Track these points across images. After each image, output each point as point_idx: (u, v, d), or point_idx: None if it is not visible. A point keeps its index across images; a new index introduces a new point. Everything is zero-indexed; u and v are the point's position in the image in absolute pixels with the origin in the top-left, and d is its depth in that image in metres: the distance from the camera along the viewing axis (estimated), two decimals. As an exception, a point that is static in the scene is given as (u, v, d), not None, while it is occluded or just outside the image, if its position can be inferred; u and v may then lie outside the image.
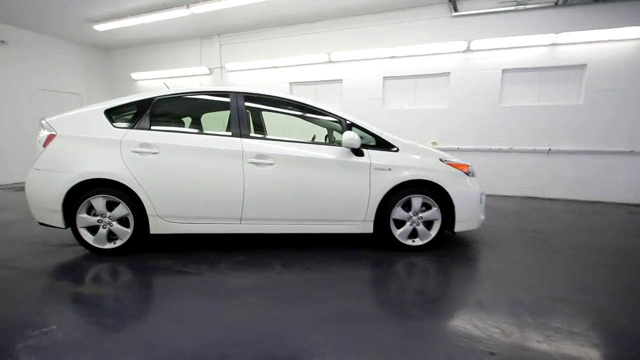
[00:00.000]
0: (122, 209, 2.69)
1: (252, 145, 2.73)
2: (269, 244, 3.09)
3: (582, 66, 5.24)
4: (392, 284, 2.35)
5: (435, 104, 6.17)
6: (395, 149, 2.89)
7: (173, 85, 8.09)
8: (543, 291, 2.23)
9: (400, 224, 2.92)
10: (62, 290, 2.20)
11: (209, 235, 3.27)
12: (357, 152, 2.80)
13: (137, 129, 2.74)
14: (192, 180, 2.70)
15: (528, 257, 2.88)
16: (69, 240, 3.14)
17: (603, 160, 5.26)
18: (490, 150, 5.82)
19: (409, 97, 6.35)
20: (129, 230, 2.73)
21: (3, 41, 6.62)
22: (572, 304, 2.06)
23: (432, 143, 6.07)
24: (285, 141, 2.81)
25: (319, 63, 6.72)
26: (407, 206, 2.89)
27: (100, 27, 6.45)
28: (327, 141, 3.45)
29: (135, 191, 2.66)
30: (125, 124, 2.77)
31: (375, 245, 3.10)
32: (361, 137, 2.77)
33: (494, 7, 5.44)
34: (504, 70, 5.64)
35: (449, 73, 5.95)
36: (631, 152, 5.10)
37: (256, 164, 2.71)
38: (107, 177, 2.62)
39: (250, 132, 2.83)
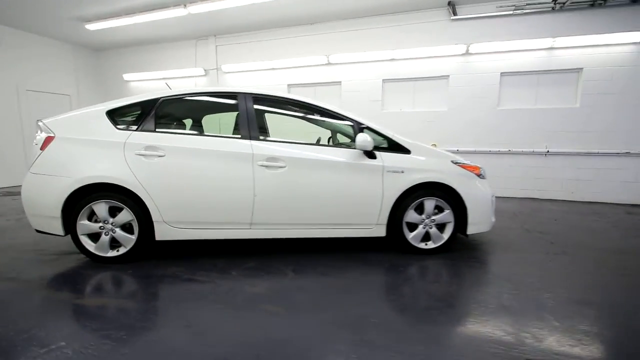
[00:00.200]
0: (125, 215, 2.56)
1: (262, 147, 2.65)
2: (279, 249, 3.00)
3: (579, 70, 5.34)
4: (409, 289, 2.30)
5: (434, 107, 6.19)
6: (407, 151, 2.85)
7: (166, 86, 7.94)
8: (564, 293, 2.21)
9: (412, 227, 2.87)
10: (65, 302, 2.06)
11: (216, 241, 3.16)
12: (370, 155, 2.75)
13: (141, 130, 2.62)
14: (200, 185, 2.60)
15: (540, 259, 2.87)
16: (67, 248, 2.99)
17: (600, 162, 5.36)
18: (490, 152, 5.87)
19: (408, 100, 6.36)
20: (133, 237, 2.60)
21: (-12, 40, 6.36)
22: (595, 306, 2.04)
23: (432, 145, 6.07)
24: (297, 143, 2.74)
25: (317, 65, 6.67)
26: (418, 209, 2.85)
27: (92, 27, 6.26)
28: (330, 143, 3.40)
29: (140, 196, 2.54)
30: (128, 126, 2.65)
31: (387, 248, 3.05)
32: (373, 140, 2.72)
33: (493, 12, 5.51)
34: (502, 74, 5.71)
35: (448, 76, 5.99)
36: (627, 154, 5.21)
37: (267, 166, 2.63)
38: (111, 182, 2.50)
39: (259, 135, 2.74)
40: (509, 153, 5.79)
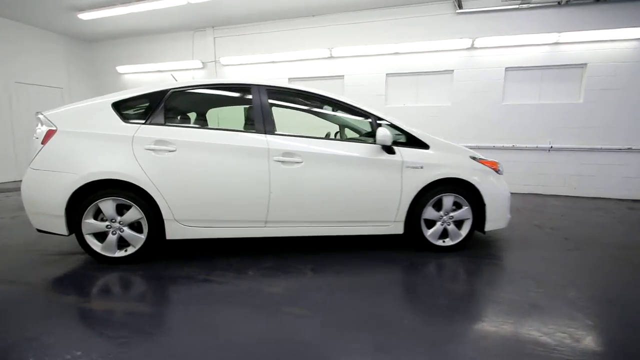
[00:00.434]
0: (134, 213, 2.43)
1: (278, 142, 2.54)
2: (294, 248, 2.91)
3: (583, 65, 5.34)
4: (432, 288, 2.23)
5: (438, 102, 6.13)
6: (426, 146, 2.78)
7: (163, 79, 7.69)
8: (589, 291, 2.18)
9: (430, 223, 2.81)
10: (73, 307, 1.93)
11: (227, 240, 3.04)
12: (389, 150, 2.67)
13: (150, 124, 2.48)
14: (213, 181, 2.48)
15: (558, 255, 2.85)
16: (70, 248, 2.84)
17: (602, 158, 5.40)
18: (494, 148, 5.85)
19: (411, 94, 6.29)
20: (143, 236, 2.48)
21: (-27, 29, 6.04)
22: (624, 304, 2.01)
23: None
24: (313, 138, 2.64)
25: (319, 58, 6.54)
26: (436, 205, 2.79)
27: (85, 16, 5.99)
28: (337, 137, 3.30)
29: (150, 193, 2.41)
30: (136, 119, 2.51)
31: (403, 246, 2.98)
32: (392, 134, 2.64)
33: (498, 5, 5.45)
34: (507, 69, 5.68)
35: (453, 71, 5.94)
36: (629, 150, 5.25)
37: (283, 162, 2.52)
38: (119, 178, 2.36)
39: (275, 128, 2.62)
40: (513, 148, 5.78)
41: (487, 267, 2.60)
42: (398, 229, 2.78)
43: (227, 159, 2.48)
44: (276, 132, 2.60)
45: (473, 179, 2.75)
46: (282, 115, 3.19)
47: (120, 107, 2.52)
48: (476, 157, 2.89)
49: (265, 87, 2.69)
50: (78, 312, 1.87)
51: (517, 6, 5.37)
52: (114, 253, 2.48)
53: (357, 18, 6.21)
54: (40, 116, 2.47)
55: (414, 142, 2.78)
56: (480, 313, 1.90)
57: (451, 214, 2.79)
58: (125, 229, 2.46)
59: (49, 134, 2.41)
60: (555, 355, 1.53)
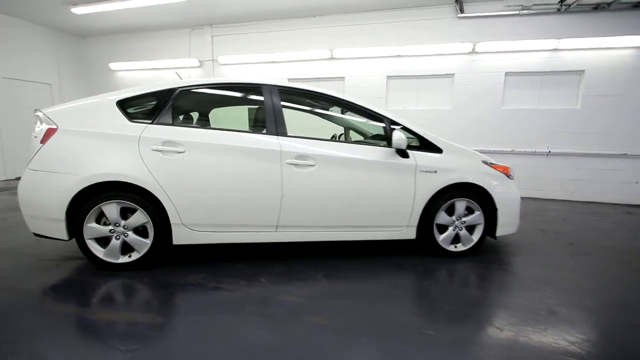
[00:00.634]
0: (139, 217, 2.32)
1: (290, 144, 2.46)
2: (304, 253, 2.83)
3: (581, 72, 5.43)
4: (451, 296, 2.19)
5: (438, 105, 6.15)
6: (439, 150, 2.75)
7: (158, 77, 7.51)
8: (606, 298, 2.17)
9: (442, 228, 2.78)
10: (75, 317, 1.82)
11: (233, 245, 2.93)
12: (402, 154, 2.62)
13: (157, 123, 2.37)
14: (223, 184, 2.39)
15: (567, 261, 2.85)
16: (68, 253, 2.70)
17: (598, 163, 5.49)
18: (493, 152, 5.88)
19: (412, 97, 6.29)
20: (148, 241, 2.36)
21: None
22: (643, 311, 2.01)
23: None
24: (326, 140, 2.58)
25: (320, 59, 6.48)
26: (448, 210, 2.75)
27: (79, 10, 5.77)
28: (342, 139, 3.25)
29: (157, 196, 2.30)
30: (142, 118, 2.40)
31: (412, 251, 2.94)
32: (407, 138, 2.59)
33: (500, 11, 5.50)
34: (506, 73, 5.73)
35: (453, 74, 5.96)
36: (624, 155, 5.36)
37: (296, 165, 2.45)
38: (125, 180, 2.24)
39: (287, 130, 2.54)
40: (512, 153, 5.83)
41: (499, 272, 2.58)
42: (410, 234, 2.73)
43: (238, 162, 2.39)
44: (289, 134, 2.52)
45: (486, 184, 2.73)
46: (288, 116, 3.13)
47: (126, 106, 2.40)
48: (487, 161, 2.87)
49: (277, 88, 2.62)
50: (80, 323, 1.75)
51: (517, 12, 5.42)
52: (117, 259, 2.36)
53: (358, 20, 6.18)
54: (40, 114, 2.33)
55: (427, 145, 2.75)
56: (504, 322, 1.86)
57: (463, 219, 2.77)
58: (130, 233, 2.34)
59: (49, 132, 2.27)
60: (587, 366, 1.50)
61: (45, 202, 2.25)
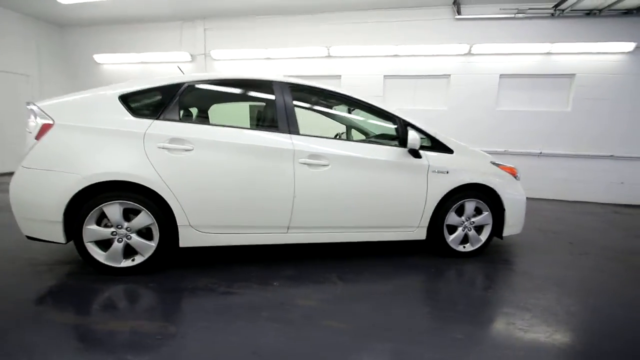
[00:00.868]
0: (144, 218, 2.18)
1: (303, 143, 2.39)
2: (313, 254, 2.76)
3: (572, 75, 5.59)
4: (469, 298, 2.17)
5: (434, 106, 6.19)
6: (450, 150, 2.74)
7: (147, 71, 7.23)
8: (617, 299, 2.21)
9: (451, 229, 2.77)
10: (78, 328, 1.68)
11: (238, 247, 2.83)
12: (415, 154, 2.59)
13: (163, 120, 2.24)
14: (233, 183, 2.28)
15: (570, 260, 2.91)
16: (61, 256, 2.53)
17: (587, 164, 5.68)
18: (488, 152, 5.97)
19: (408, 97, 6.31)
20: (153, 244, 2.23)
21: None
22: (653, 310, 2.06)
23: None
24: (339, 139, 2.52)
25: (317, 57, 6.40)
26: (457, 211, 2.75)
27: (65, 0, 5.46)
28: (344, 138, 3.21)
29: (164, 196, 2.17)
30: (147, 114, 2.26)
31: (422, 251, 2.92)
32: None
33: (496, 13, 5.58)
34: (501, 76, 5.83)
35: (450, 75, 6.01)
36: (611, 157, 5.56)
37: (309, 164, 2.37)
38: (129, 180, 2.11)
39: (299, 129, 2.46)
40: (505, 153, 5.94)
41: (509, 273, 2.60)
42: (421, 234, 2.71)
43: (249, 161, 2.29)
44: (301, 133, 2.44)
45: (495, 185, 2.75)
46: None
47: (129, 100, 2.25)
48: (495, 162, 2.89)
49: (288, 84, 2.53)
50: (85, 334, 1.62)
51: (513, 15, 5.52)
52: (120, 263, 2.21)
53: (355, 18, 6.13)
54: (33, 107, 2.16)
55: (438, 146, 2.73)
56: (523, 323, 1.86)
57: (472, 219, 2.77)
58: (133, 235, 2.20)
59: (44, 128, 2.10)
60: (615, 368, 1.51)
61: (40, 202, 2.08)
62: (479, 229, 2.83)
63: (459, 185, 2.66)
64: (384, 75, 6.24)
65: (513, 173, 2.90)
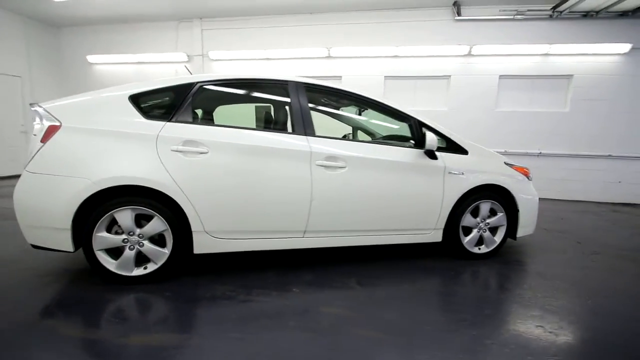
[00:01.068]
0: (157, 224, 2.09)
1: (320, 145, 2.33)
2: (329, 259, 2.70)
3: (569, 76, 5.68)
4: (491, 300, 2.14)
5: (435, 106, 6.21)
6: (465, 151, 2.72)
7: (142, 72, 7.06)
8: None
9: (466, 231, 2.75)
10: (101, 342, 1.58)
11: (249, 253, 2.75)
12: (431, 155, 2.56)
13: (176, 121, 2.15)
14: (250, 187, 2.21)
15: (582, 260, 2.92)
16: (68, 265, 2.41)
17: (585, 164, 5.77)
18: (488, 153, 6.02)
19: (409, 98, 6.31)
20: (166, 251, 2.14)
21: None
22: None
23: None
24: (356, 141, 2.47)
25: (317, 58, 6.35)
26: (472, 212, 2.73)
27: (56, -4, 5.28)
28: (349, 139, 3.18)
29: (178, 201, 2.08)
30: (158, 115, 2.17)
31: (437, 253, 2.90)
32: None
33: (495, 15, 5.63)
34: (500, 76, 5.88)
35: (450, 76, 6.04)
36: (609, 156, 5.66)
37: (326, 167, 2.32)
38: (143, 184, 2.01)
39: (314, 130, 2.40)
40: (505, 154, 5.93)
41: (527, 274, 2.59)
42: (437, 236, 2.68)
43: (266, 163, 2.22)
44: (317, 135, 2.38)
45: (509, 186, 2.74)
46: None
47: (140, 101, 2.16)
48: (508, 163, 2.89)
49: (303, 84, 2.47)
50: (105, 350, 1.53)
51: (512, 17, 5.58)
52: (132, 271, 2.11)
53: (356, 18, 6.11)
54: (39, 109, 2.04)
55: (453, 147, 2.71)
56: (552, 325, 1.83)
57: (487, 220, 2.76)
58: (146, 242, 2.10)
59: (51, 130, 2.00)
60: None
61: (47, 209, 1.97)
62: (493, 230, 2.82)
63: (475, 186, 2.64)
64: (385, 76, 6.23)
65: (526, 174, 2.90)
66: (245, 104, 2.78)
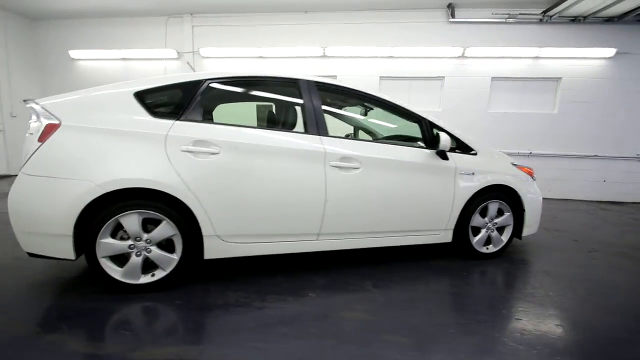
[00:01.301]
0: (165, 229, 1.98)
1: (334, 145, 2.27)
2: (341, 261, 2.64)
3: (558, 79, 5.86)
4: (510, 301, 2.14)
5: (429, 107, 6.25)
6: (474, 152, 2.73)
7: (128, 68, 6.78)
8: (642, 294, 2.28)
9: (475, 231, 2.76)
10: (115, 357, 1.47)
11: (255, 257, 2.67)
12: (442, 156, 2.55)
13: (185, 120, 2.05)
14: (263, 189, 2.13)
15: (583, 258, 2.99)
16: (66, 274, 2.25)
17: (573, 163, 5.97)
18: (481, 153, 6.13)
19: (404, 99, 6.25)
20: (175, 257, 2.03)
21: None
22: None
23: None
24: (369, 141, 2.43)
25: (312, 57, 6.29)
26: (480, 212, 2.74)
27: (37, -13, 4.98)
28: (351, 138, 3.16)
29: (189, 204, 1.98)
30: (166, 114, 2.06)
31: (445, 254, 2.90)
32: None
33: (488, 17, 5.73)
34: (492, 78, 6.00)
35: (444, 77, 6.11)
36: (595, 156, 5.88)
37: (340, 167, 2.26)
38: (151, 187, 1.90)
39: (327, 130, 2.34)
40: (497, 154, 6.11)
41: (533, 273, 2.62)
42: (447, 237, 2.68)
43: (280, 164, 2.14)
44: (330, 135, 2.32)
45: (516, 186, 2.77)
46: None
47: (146, 98, 2.04)
48: (514, 163, 2.92)
49: (314, 83, 2.41)
50: (123, 365, 1.42)
51: (504, 20, 5.69)
52: (138, 279, 1.99)
53: (351, 18, 6.09)
54: (35, 106, 1.89)
55: (462, 147, 2.72)
56: (570, 325, 1.85)
57: (495, 220, 2.78)
58: (153, 248, 1.99)
59: (49, 129, 1.85)
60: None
61: (46, 214, 1.83)
62: (500, 230, 2.85)
63: (484, 186, 2.65)
64: (380, 76, 6.24)
65: (530, 174, 2.95)
66: (257, 102, 2.69)
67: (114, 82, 2.10)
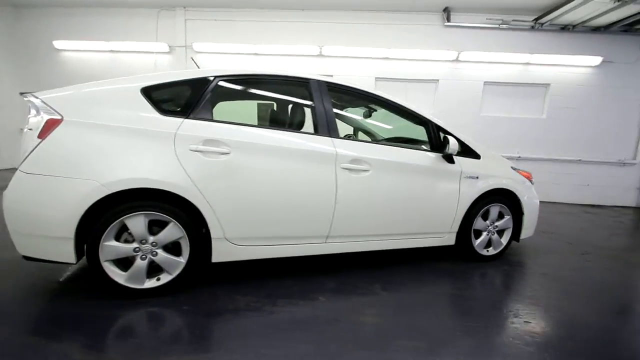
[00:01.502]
0: (173, 231, 1.90)
1: (344, 147, 2.25)
2: (348, 264, 2.62)
3: (547, 85, 6.04)
4: (512, 303, 2.18)
5: (424, 110, 6.30)
6: (477, 156, 2.77)
7: (117, 61, 6.53)
8: None
9: (476, 233, 2.81)
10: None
11: (260, 260, 2.62)
12: (448, 159, 2.58)
13: (194, 118, 1.97)
14: (274, 191, 2.08)
15: (577, 260, 3.09)
16: (54, 274, 2.13)
17: (559, 167, 6.18)
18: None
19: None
20: (182, 260, 1.96)
21: None
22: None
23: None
24: (379, 143, 2.42)
25: (308, 55, 6.24)
26: (483, 215, 2.79)
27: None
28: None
29: (198, 206, 1.91)
30: (174, 111, 1.98)
31: (447, 256, 2.93)
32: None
33: (482, 23, 5.84)
34: (485, 83, 6.13)
35: (438, 80, 6.19)
36: (579, 161, 6.11)
37: (350, 170, 2.24)
38: (160, 187, 1.82)
39: (338, 132, 2.32)
40: (488, 157, 6.25)
41: (532, 276, 2.68)
42: (451, 240, 2.71)
43: (291, 166, 2.10)
44: (340, 136, 2.30)
45: (516, 189, 2.83)
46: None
47: (153, 95, 1.95)
48: (514, 167, 2.99)
49: (325, 83, 2.38)
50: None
51: (498, 25, 5.82)
52: (143, 284, 1.91)
53: (348, 18, 6.08)
54: (34, 99, 1.78)
55: (467, 151, 2.75)
56: (578, 327, 1.91)
57: (496, 223, 2.83)
58: (159, 251, 1.91)
59: (50, 124, 1.75)
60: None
61: (46, 215, 1.72)
62: (499, 232, 2.90)
63: (487, 190, 2.70)
64: (376, 77, 6.26)
65: (529, 178, 3.02)
66: (266, 101, 2.63)
67: (100, 74, 2.01)
